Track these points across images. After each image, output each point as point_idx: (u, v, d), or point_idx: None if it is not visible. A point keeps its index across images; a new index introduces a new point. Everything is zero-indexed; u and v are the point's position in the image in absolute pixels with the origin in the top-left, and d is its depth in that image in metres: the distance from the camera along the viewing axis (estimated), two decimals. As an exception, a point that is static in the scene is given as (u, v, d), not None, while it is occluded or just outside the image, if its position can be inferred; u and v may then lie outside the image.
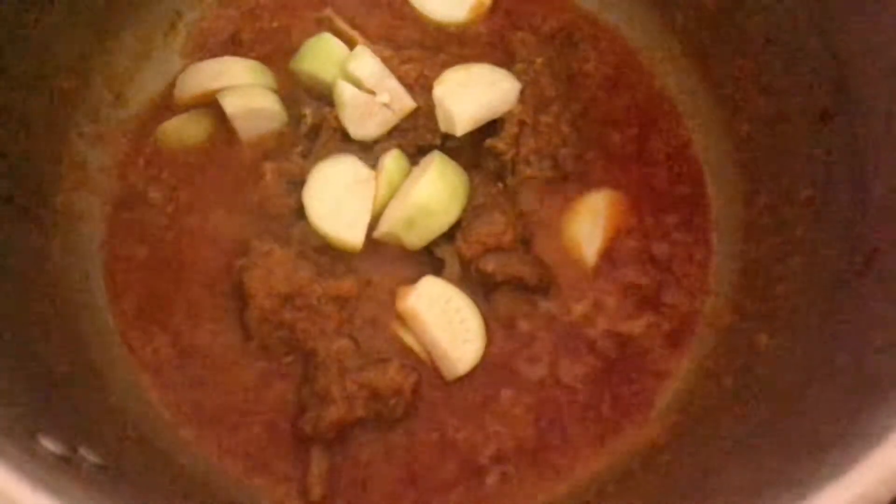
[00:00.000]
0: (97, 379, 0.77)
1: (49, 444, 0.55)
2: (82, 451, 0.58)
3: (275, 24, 0.96)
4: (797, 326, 0.72)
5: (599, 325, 0.83)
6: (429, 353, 0.81)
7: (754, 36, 0.82)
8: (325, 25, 0.94)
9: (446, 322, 0.80)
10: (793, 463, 0.55)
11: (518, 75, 0.88)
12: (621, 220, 0.88)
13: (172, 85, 0.93)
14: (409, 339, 0.81)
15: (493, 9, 0.96)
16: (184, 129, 0.91)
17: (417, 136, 0.87)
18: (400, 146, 0.86)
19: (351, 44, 0.89)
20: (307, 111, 0.88)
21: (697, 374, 0.81)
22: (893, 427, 0.49)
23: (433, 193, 0.81)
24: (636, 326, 0.83)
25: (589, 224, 0.87)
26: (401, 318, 0.81)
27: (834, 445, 0.52)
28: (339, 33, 0.91)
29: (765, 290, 0.79)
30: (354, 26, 0.94)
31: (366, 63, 0.85)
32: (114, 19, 0.91)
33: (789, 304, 0.74)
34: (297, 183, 0.85)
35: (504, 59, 0.92)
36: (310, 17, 0.96)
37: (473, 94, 0.84)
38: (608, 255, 0.86)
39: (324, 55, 0.88)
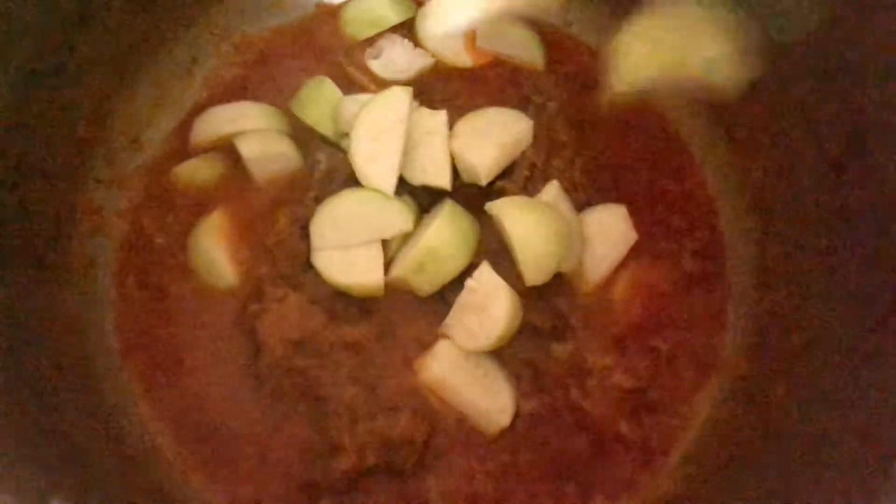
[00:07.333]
0: (111, 428, 0.77)
1: None
2: None
3: (288, 70, 0.97)
4: (812, 380, 0.70)
5: (614, 373, 0.82)
6: (467, 413, 0.80)
7: (766, 83, 0.81)
8: (337, 72, 0.95)
9: (473, 378, 0.79)
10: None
11: (530, 117, 0.88)
12: (635, 265, 0.87)
13: (188, 128, 0.94)
14: (437, 404, 0.80)
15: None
16: (198, 172, 0.92)
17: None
18: (412, 192, 0.86)
19: (364, 90, 0.90)
20: (321, 156, 0.89)
21: (713, 426, 0.80)
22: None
23: (443, 239, 0.80)
24: (651, 375, 0.82)
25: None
26: (427, 388, 0.80)
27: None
28: (352, 80, 0.92)
29: (781, 340, 0.78)
30: (366, 72, 0.95)
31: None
32: (132, 67, 0.93)
33: (805, 357, 0.73)
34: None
35: (516, 101, 0.92)
36: (324, 64, 0.97)
37: (489, 139, 0.85)
38: (623, 299, 0.86)
39: (319, 102, 0.90)
